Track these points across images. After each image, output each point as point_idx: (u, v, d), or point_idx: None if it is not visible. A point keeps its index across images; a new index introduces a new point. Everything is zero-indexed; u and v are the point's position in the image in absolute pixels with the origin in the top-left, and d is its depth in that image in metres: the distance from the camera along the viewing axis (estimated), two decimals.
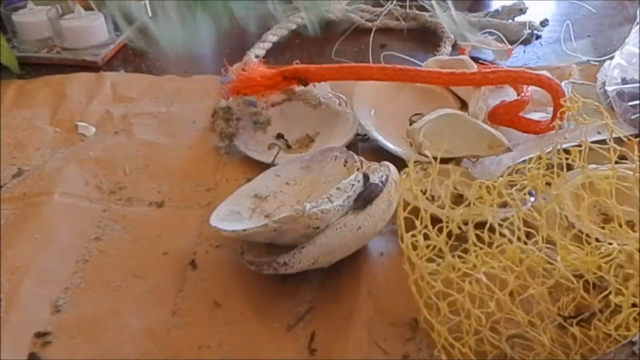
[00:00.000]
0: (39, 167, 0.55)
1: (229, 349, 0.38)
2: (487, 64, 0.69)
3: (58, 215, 0.49)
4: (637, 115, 0.57)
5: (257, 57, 0.72)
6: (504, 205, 0.41)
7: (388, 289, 0.42)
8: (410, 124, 0.54)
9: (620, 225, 0.40)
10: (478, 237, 0.38)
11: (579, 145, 0.43)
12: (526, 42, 0.79)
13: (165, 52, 0.34)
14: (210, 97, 0.66)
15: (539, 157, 0.43)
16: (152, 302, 0.42)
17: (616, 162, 0.42)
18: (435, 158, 0.40)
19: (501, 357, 0.35)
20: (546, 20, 0.85)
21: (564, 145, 0.44)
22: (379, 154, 0.52)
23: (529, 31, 0.79)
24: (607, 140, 0.43)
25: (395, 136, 0.57)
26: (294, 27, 0.80)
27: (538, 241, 0.38)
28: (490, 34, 0.75)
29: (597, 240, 0.39)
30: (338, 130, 0.58)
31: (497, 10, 0.84)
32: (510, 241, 0.38)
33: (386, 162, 0.44)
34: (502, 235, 0.38)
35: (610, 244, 0.38)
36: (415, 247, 0.37)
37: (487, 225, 0.38)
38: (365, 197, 0.40)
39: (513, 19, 0.83)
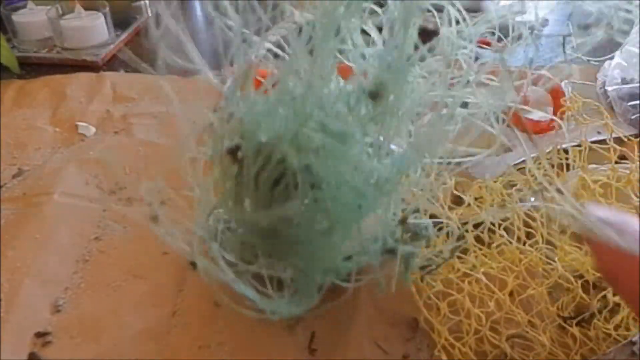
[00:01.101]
0: (39, 167, 0.55)
1: (229, 349, 0.38)
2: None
3: (58, 215, 0.49)
4: (637, 115, 0.57)
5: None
6: (504, 205, 0.41)
7: (388, 289, 0.42)
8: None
9: None
10: (478, 238, 0.38)
11: (579, 145, 0.43)
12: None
13: None
14: (210, 97, 0.66)
15: (539, 157, 0.43)
16: (152, 302, 0.42)
17: (616, 162, 0.42)
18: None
19: (501, 356, 0.35)
20: (546, 20, 0.84)
21: (564, 145, 0.44)
22: None
23: (529, 31, 0.79)
24: (607, 140, 0.43)
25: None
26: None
27: (538, 241, 0.38)
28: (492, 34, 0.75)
29: None
30: None
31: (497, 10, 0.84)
32: (510, 242, 0.38)
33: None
34: (500, 235, 0.38)
35: None
36: None
37: (487, 226, 0.38)
38: None
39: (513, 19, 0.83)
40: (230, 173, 0.31)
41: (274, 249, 0.31)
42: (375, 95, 0.27)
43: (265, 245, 0.31)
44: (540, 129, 0.55)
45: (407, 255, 0.34)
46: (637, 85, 0.59)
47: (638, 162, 0.42)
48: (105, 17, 0.77)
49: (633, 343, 0.30)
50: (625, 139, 0.47)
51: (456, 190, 0.41)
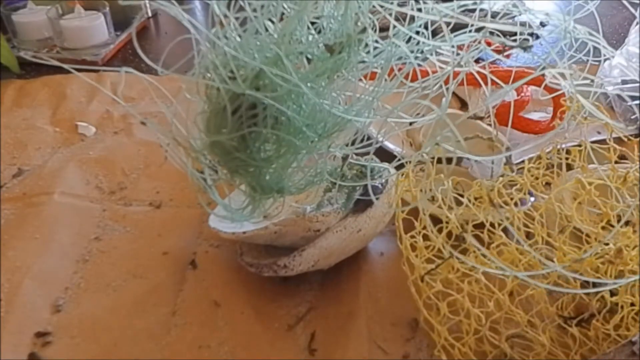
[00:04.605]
0: (39, 167, 0.55)
1: (229, 349, 0.38)
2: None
3: (58, 215, 0.49)
4: (637, 115, 0.57)
5: None
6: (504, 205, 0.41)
7: (388, 289, 0.42)
8: (410, 124, 0.54)
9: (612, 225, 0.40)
10: (477, 238, 0.38)
11: (579, 145, 0.43)
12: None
13: None
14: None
15: (539, 157, 0.43)
16: (152, 302, 0.42)
17: (616, 162, 0.43)
18: (434, 158, 0.40)
19: (501, 357, 0.35)
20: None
21: (564, 145, 0.44)
22: (379, 154, 0.52)
23: (529, 31, 0.79)
24: (607, 140, 0.43)
25: (395, 136, 0.56)
26: None
27: (537, 241, 0.38)
28: (490, 33, 0.75)
29: (595, 239, 0.39)
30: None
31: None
32: (509, 242, 0.38)
33: (385, 163, 0.44)
34: (500, 236, 0.38)
35: (606, 244, 0.38)
36: (414, 248, 0.37)
37: (487, 226, 0.38)
38: (366, 199, 0.40)
39: (513, 19, 0.83)
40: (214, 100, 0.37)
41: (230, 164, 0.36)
42: (330, 49, 0.32)
43: (225, 161, 0.36)
44: (540, 129, 0.55)
45: (349, 189, 0.40)
46: (637, 85, 0.59)
47: (638, 162, 0.42)
48: (105, 17, 0.77)
49: (633, 343, 0.30)
50: (625, 139, 0.47)
51: (456, 190, 0.41)
